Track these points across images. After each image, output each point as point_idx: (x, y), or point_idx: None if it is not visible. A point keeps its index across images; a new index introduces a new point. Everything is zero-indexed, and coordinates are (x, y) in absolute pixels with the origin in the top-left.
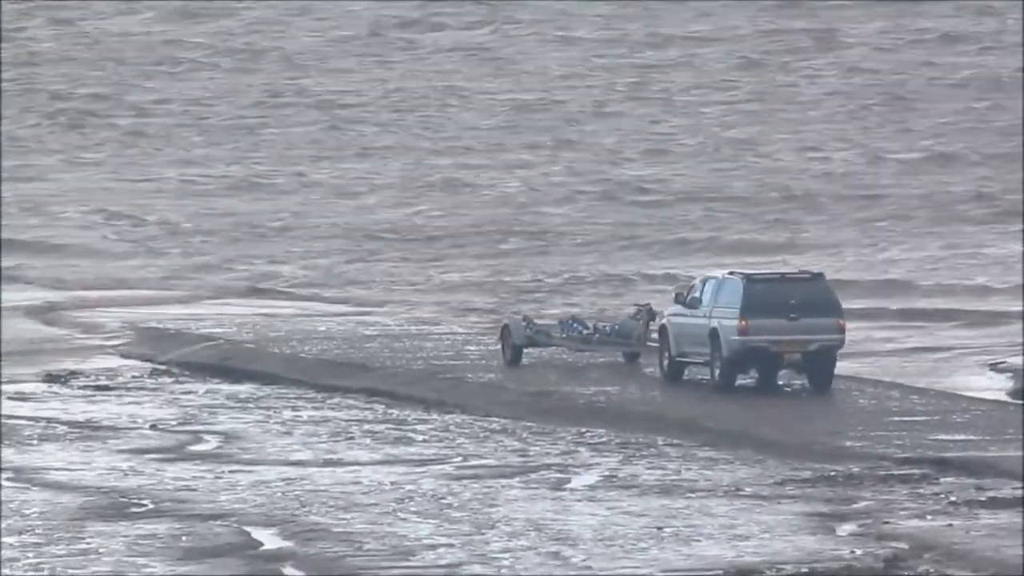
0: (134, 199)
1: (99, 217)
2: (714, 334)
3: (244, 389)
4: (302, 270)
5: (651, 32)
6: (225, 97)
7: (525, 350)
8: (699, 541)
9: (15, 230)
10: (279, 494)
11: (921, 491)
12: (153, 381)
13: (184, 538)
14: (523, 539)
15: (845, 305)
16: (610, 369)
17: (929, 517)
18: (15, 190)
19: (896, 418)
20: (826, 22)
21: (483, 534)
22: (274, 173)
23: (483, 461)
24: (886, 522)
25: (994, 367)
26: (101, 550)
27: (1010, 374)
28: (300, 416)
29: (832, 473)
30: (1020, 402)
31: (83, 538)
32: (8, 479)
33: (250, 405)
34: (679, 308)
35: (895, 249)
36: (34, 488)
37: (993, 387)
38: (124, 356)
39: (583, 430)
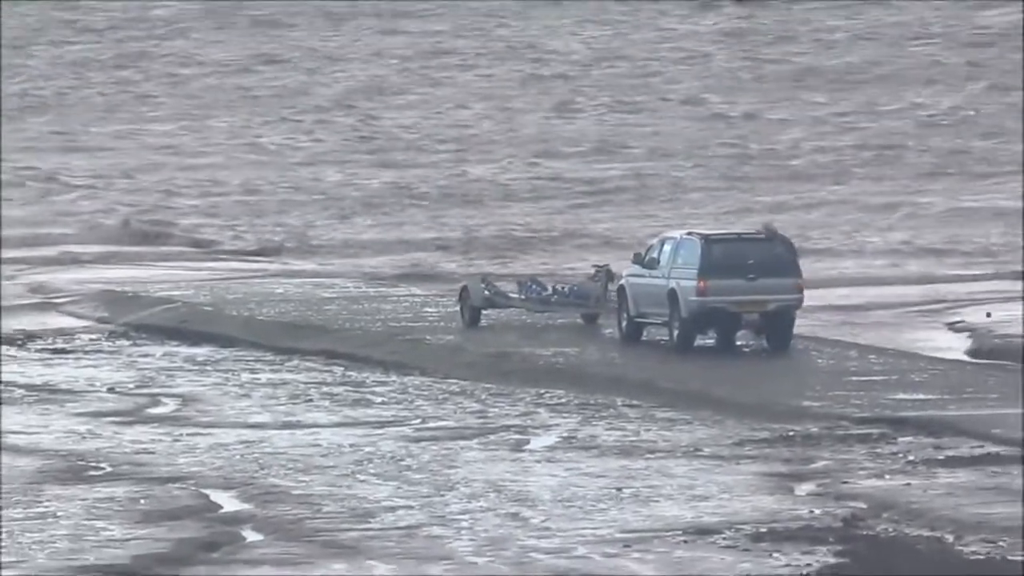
0: (92, 160)
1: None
2: (673, 295)
3: (202, 352)
4: (261, 232)
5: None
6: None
7: (484, 312)
8: (658, 502)
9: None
10: (238, 456)
11: (879, 450)
12: (110, 344)
13: (142, 501)
14: (482, 500)
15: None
16: (569, 330)
17: (887, 476)
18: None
19: (854, 378)
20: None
21: (442, 496)
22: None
23: (442, 423)
24: (844, 482)
25: (952, 326)
26: (59, 513)
27: (968, 333)
28: (258, 379)
29: (790, 433)
30: (978, 361)
31: (41, 501)
32: None
33: (208, 368)
34: (637, 268)
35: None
36: None
37: (951, 346)
38: (81, 319)
39: (542, 391)
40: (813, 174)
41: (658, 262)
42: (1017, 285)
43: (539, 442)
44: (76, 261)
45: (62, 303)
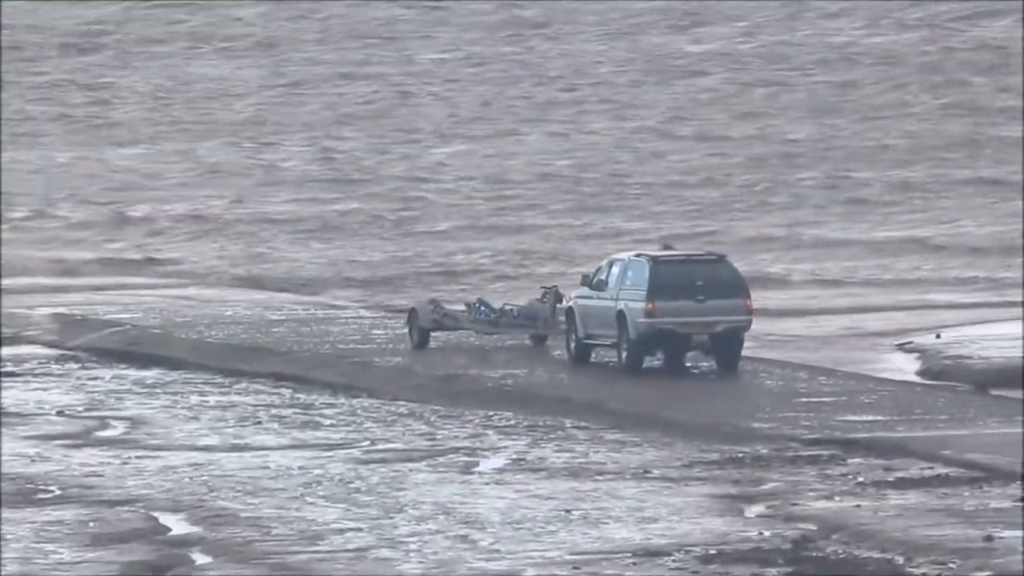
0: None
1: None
2: (621, 316)
3: (151, 374)
4: (210, 258)
5: None
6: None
7: (432, 333)
8: (607, 524)
9: None
10: (186, 479)
11: (829, 472)
12: (60, 367)
13: (91, 524)
14: (431, 523)
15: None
16: (518, 352)
17: (837, 498)
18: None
19: (804, 399)
20: None
21: (391, 518)
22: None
23: (391, 445)
24: (794, 503)
25: (901, 347)
26: (8, 537)
27: (917, 355)
28: (207, 401)
29: (740, 455)
30: (928, 382)
31: None
32: None
33: (157, 390)
34: (586, 290)
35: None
36: None
37: (900, 368)
38: (32, 343)
39: (491, 413)
40: (704, 202)
41: (606, 284)
42: (950, 315)
43: (488, 464)
44: (29, 288)
45: (24, 331)
